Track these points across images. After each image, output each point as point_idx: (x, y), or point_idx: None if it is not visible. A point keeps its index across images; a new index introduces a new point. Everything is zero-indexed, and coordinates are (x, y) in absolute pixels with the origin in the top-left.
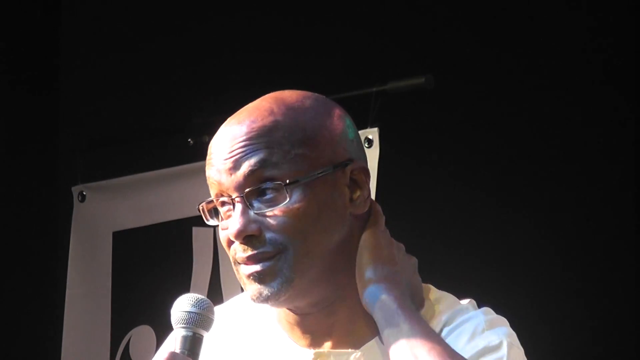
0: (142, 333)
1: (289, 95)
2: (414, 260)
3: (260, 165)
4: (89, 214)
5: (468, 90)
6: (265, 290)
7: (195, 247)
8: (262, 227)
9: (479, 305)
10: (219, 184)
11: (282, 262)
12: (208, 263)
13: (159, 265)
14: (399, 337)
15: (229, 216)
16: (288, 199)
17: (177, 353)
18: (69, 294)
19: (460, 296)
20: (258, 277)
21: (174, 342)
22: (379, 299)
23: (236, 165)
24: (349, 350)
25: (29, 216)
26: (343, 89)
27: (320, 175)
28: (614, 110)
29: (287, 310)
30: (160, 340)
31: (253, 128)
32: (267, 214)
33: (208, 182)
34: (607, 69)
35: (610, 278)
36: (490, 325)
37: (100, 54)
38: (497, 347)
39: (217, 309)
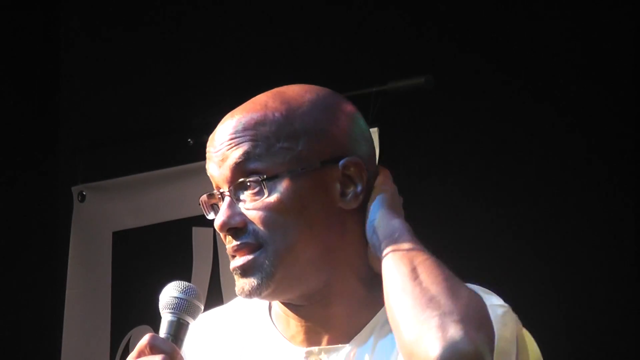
0: (142, 333)
1: (292, 89)
2: None
3: (244, 158)
4: (89, 214)
5: (468, 90)
6: (247, 285)
7: (195, 247)
8: (247, 220)
9: None
10: (213, 177)
11: (262, 257)
12: (208, 263)
13: (159, 265)
14: (399, 249)
15: None
16: (267, 194)
17: (157, 335)
18: (69, 293)
19: None
20: (240, 271)
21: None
22: (388, 223)
23: (224, 158)
24: (339, 345)
25: (29, 216)
26: (343, 89)
27: (304, 170)
28: (614, 111)
29: (282, 305)
30: None
31: (241, 121)
32: (251, 207)
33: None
34: (608, 69)
35: (610, 278)
36: (485, 292)
37: (100, 54)
38: (487, 298)
39: (217, 310)
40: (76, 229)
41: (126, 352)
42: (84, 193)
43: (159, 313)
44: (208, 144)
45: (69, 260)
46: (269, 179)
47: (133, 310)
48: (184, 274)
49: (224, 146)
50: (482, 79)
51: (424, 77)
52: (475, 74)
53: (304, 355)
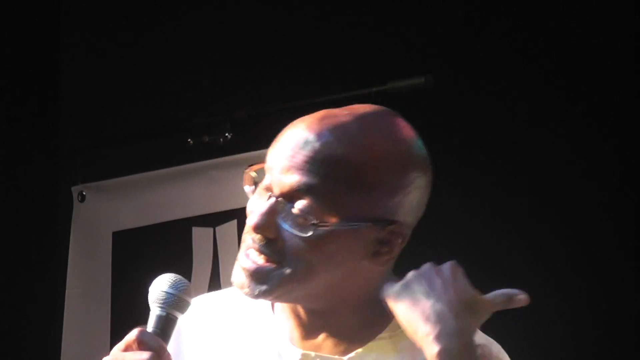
0: None
1: (380, 126)
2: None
3: (305, 190)
4: (88, 214)
5: (468, 90)
6: (247, 288)
7: (195, 247)
8: (279, 235)
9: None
10: (270, 171)
11: (274, 273)
12: (208, 263)
13: (159, 265)
14: None
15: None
16: (310, 233)
17: (145, 330)
18: (69, 294)
19: None
20: (247, 273)
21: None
22: None
23: (288, 172)
24: (336, 357)
25: (29, 216)
26: (343, 89)
27: (352, 227)
28: (616, 109)
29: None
30: None
31: (321, 150)
32: (289, 230)
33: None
34: (609, 68)
35: (609, 280)
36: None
37: (100, 54)
38: None
39: (220, 294)
40: (76, 229)
41: None
42: (84, 193)
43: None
44: (279, 138)
45: (69, 260)
46: (318, 226)
47: (133, 310)
48: (184, 274)
49: (294, 161)
50: (482, 79)
51: (424, 77)
52: (475, 74)
53: (299, 357)
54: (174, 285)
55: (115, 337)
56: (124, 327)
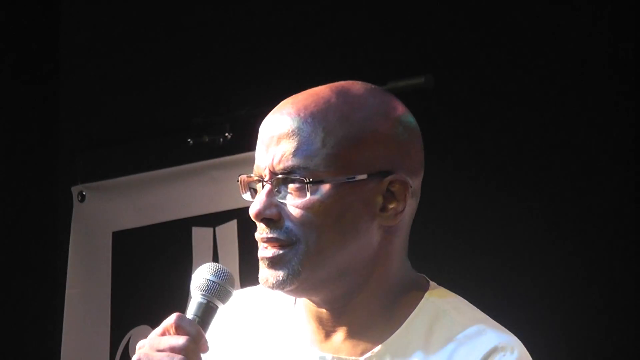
0: (142, 333)
1: (356, 88)
2: None
3: (294, 155)
4: (88, 214)
5: (468, 90)
6: (272, 278)
7: (195, 247)
8: (283, 213)
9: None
10: (258, 161)
11: (292, 254)
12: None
13: (159, 265)
14: None
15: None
16: (309, 195)
17: (184, 316)
18: (69, 294)
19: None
20: (268, 263)
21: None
22: None
23: (274, 148)
24: (352, 358)
25: (29, 216)
26: None
27: (350, 180)
28: (616, 107)
29: (307, 300)
30: None
31: (300, 114)
32: (290, 203)
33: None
34: (609, 66)
35: (611, 278)
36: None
37: (100, 54)
38: None
39: (252, 290)
40: (76, 229)
41: (126, 352)
42: (84, 193)
43: (159, 313)
44: (262, 125)
45: (69, 260)
46: (313, 183)
47: (133, 310)
48: (184, 274)
49: (276, 135)
50: (483, 79)
51: (424, 77)
52: (475, 74)
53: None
54: (217, 274)
55: (115, 337)
56: (124, 327)
